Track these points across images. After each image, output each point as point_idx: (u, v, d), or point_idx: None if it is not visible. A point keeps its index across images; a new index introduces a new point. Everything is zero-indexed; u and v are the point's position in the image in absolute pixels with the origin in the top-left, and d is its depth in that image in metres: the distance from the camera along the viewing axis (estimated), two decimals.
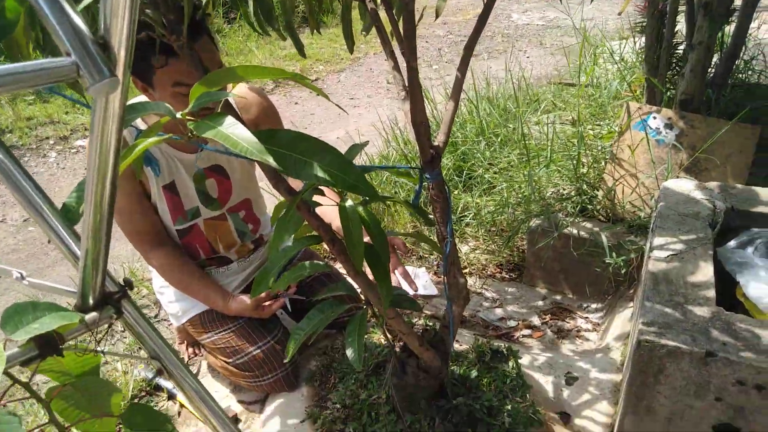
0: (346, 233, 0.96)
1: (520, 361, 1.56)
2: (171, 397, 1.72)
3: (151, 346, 0.76)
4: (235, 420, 1.59)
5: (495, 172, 2.46)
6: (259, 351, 1.52)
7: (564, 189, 2.15)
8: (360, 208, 1.00)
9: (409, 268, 2.19)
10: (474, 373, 1.44)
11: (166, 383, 1.74)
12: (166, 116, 0.72)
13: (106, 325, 0.71)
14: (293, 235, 1.12)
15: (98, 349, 0.69)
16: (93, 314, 0.67)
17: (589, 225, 1.90)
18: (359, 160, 3.02)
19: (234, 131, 0.63)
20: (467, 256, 2.22)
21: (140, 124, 1.41)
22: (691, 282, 1.16)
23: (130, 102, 1.44)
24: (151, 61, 1.22)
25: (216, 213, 1.57)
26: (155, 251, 1.50)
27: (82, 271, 0.65)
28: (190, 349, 1.89)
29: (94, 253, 0.63)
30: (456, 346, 1.63)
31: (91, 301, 0.67)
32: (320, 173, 0.72)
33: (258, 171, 1.71)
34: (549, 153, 2.26)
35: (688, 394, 1.06)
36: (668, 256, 1.25)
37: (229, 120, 0.65)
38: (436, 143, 1.16)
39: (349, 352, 1.07)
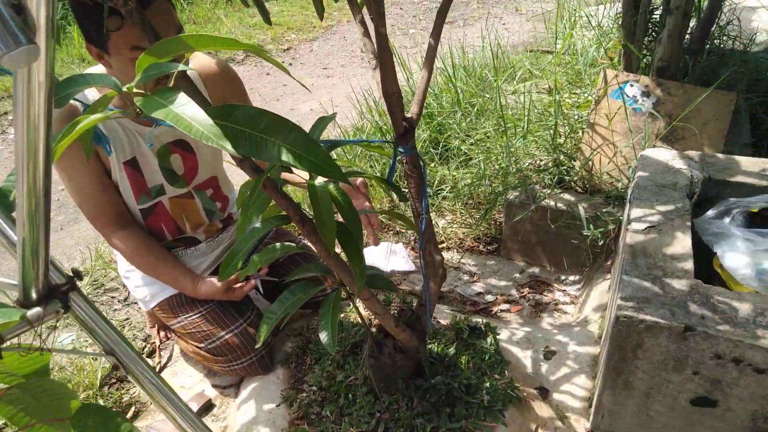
0: (316, 213, 0.91)
1: (498, 336, 1.55)
2: None
3: (105, 341, 0.71)
4: (209, 405, 1.56)
5: (471, 144, 2.42)
6: (231, 335, 1.48)
7: (541, 160, 2.12)
8: (330, 186, 0.96)
9: (386, 244, 2.16)
10: (452, 351, 1.42)
11: None
12: (112, 90, 0.66)
13: (52, 321, 0.66)
14: (261, 215, 1.07)
15: (43, 346, 0.64)
16: (36, 309, 0.62)
17: (566, 196, 1.88)
18: (332, 134, 2.95)
19: (186, 111, 0.57)
20: (444, 230, 2.20)
21: (95, 95, 1.33)
22: (669, 254, 1.15)
23: (86, 71, 1.36)
24: (104, 25, 1.13)
25: (182, 191, 1.50)
26: (118, 233, 1.43)
27: (21, 263, 0.60)
28: (162, 333, 1.84)
29: (33, 242, 0.57)
30: (434, 323, 1.61)
31: (34, 295, 0.62)
32: (283, 153, 0.68)
33: None
34: (526, 123, 2.23)
35: (666, 369, 1.05)
36: (646, 228, 1.24)
37: (181, 98, 0.59)
38: (409, 115, 1.12)
39: (322, 336, 1.04)
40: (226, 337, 1.47)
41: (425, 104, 2.71)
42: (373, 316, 1.40)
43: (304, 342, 1.59)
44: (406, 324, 1.26)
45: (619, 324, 1.04)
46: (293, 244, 1.11)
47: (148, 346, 1.84)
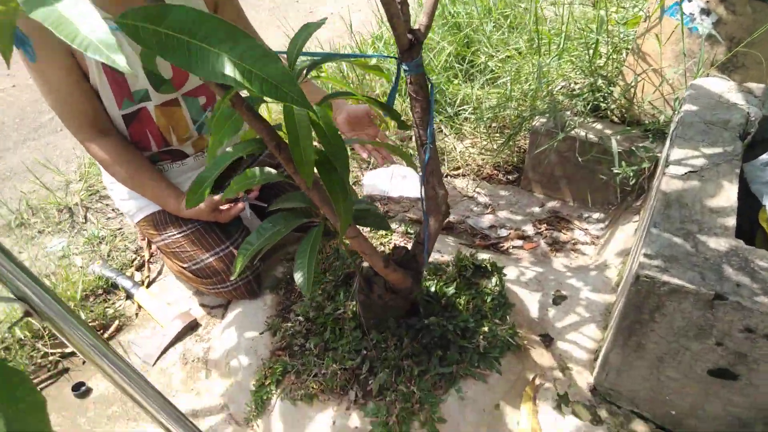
0: (291, 140, 0.78)
1: (505, 276, 1.45)
2: (129, 297, 1.64)
3: (13, 284, 0.61)
4: (195, 325, 1.52)
5: (500, 60, 2.20)
6: (214, 258, 1.40)
7: (576, 83, 1.92)
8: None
9: (395, 167, 2.03)
10: (451, 290, 1.33)
11: (124, 282, 1.65)
12: None
13: None
14: (239, 137, 0.95)
15: None
16: None
17: (599, 127, 1.70)
18: (347, 44, 2.74)
19: (73, 11, 0.44)
20: (462, 155, 2.05)
21: None
22: (709, 207, 1.00)
23: None
24: None
25: (169, 97, 1.38)
26: (97, 141, 1.33)
27: None
28: (153, 246, 1.79)
29: None
30: (437, 256, 1.51)
31: None
32: (227, 67, 0.55)
33: None
34: (562, 40, 2.00)
35: (686, 336, 0.94)
36: (686, 173, 1.08)
37: None
38: (416, 27, 0.95)
39: (297, 277, 0.94)
40: (210, 260, 1.40)
41: (450, 14, 2.46)
42: None
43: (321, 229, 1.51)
44: (399, 264, 1.16)
45: (639, 283, 0.92)
46: (274, 171, 0.99)
47: (138, 258, 1.79)
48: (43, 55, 1.19)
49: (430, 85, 1.02)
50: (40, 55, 1.20)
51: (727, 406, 1.01)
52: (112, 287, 1.68)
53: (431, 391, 1.17)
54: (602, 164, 1.62)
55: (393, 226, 1.65)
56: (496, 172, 2.01)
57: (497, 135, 2.11)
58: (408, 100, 1.02)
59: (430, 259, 1.49)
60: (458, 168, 2.02)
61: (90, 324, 1.54)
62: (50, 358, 1.47)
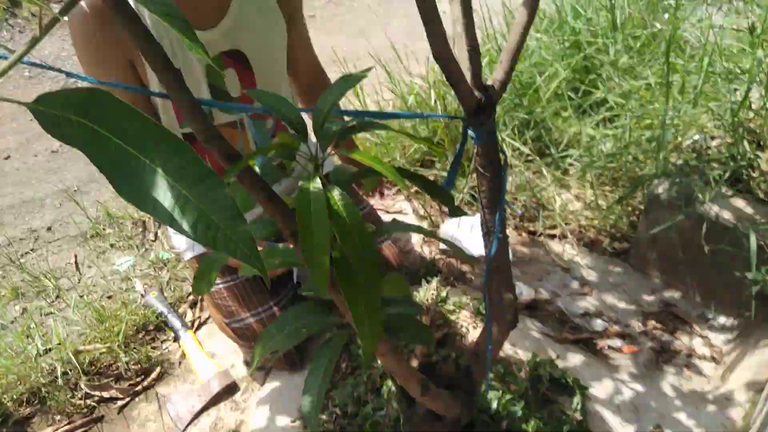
0: (302, 232, 0.61)
1: (590, 396, 1.22)
2: (176, 339, 1.60)
3: None
4: (233, 386, 1.43)
5: (622, 94, 1.91)
6: (254, 320, 1.30)
7: (712, 138, 1.60)
8: (336, 193, 0.64)
9: (469, 219, 1.83)
10: (518, 411, 1.13)
11: (175, 321, 1.61)
12: None
13: None
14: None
15: None
16: None
17: (738, 204, 1.39)
18: (375, 95, 2.47)
19: None
20: (563, 210, 1.80)
21: None
22: None
23: None
24: None
25: (235, 117, 1.25)
26: None
27: None
28: None
29: None
30: (509, 352, 1.31)
31: None
32: (161, 190, 0.43)
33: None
34: (701, 78, 1.65)
35: None
36: None
37: None
38: (489, 82, 0.76)
39: (304, 402, 0.80)
40: (250, 320, 1.31)
41: (573, 29, 2.18)
42: None
43: (346, 339, 1.38)
44: (448, 382, 0.98)
45: None
46: (291, 249, 0.84)
47: (192, 296, 1.75)
48: (100, 57, 1.07)
49: (503, 159, 0.83)
50: (96, 55, 1.07)
51: None
52: (163, 324, 1.65)
53: None
54: (736, 258, 1.32)
55: (463, 299, 1.46)
56: (601, 238, 1.74)
57: (608, 188, 1.83)
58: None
59: (500, 354, 1.29)
60: (555, 227, 1.78)
61: (132, 367, 1.51)
62: (88, 401, 1.45)
